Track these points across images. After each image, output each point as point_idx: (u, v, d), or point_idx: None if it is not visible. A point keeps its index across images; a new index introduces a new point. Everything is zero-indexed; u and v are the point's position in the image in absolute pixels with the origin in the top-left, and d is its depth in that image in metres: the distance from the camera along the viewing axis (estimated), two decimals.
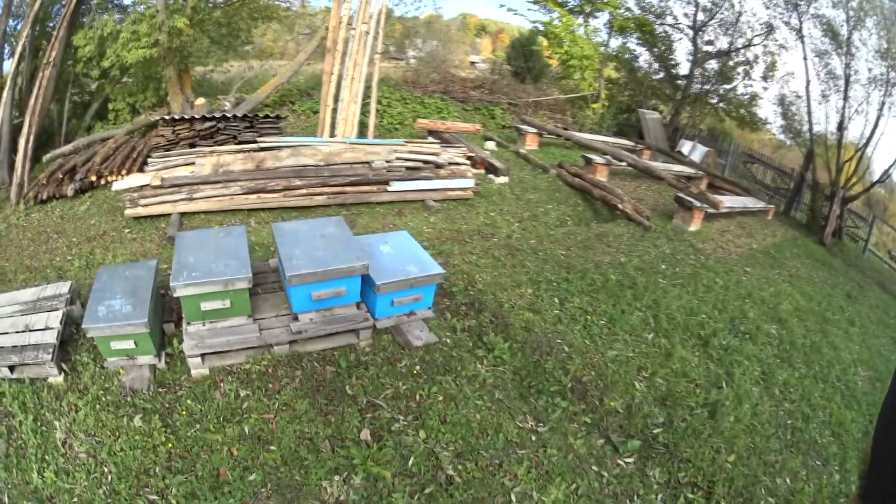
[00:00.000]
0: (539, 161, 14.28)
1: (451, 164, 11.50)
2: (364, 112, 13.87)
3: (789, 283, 10.14)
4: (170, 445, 5.20)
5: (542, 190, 12.34)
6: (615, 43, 23.54)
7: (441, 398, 5.55)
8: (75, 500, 4.88)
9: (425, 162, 11.29)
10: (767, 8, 19.75)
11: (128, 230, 9.78)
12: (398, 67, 24.55)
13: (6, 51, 16.17)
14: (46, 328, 6.32)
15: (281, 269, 6.32)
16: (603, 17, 22.67)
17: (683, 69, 22.75)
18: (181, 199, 9.98)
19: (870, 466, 1.71)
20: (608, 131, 20.70)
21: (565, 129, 18.26)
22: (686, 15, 21.73)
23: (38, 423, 5.64)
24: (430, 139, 13.84)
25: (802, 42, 17.87)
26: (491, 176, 12.63)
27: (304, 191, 10.23)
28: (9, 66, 15.28)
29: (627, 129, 21.70)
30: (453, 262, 8.34)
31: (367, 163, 10.80)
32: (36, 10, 13.94)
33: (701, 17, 21.35)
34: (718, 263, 9.86)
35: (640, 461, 5.24)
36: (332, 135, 13.20)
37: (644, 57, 23.95)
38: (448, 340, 6.43)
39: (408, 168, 11.07)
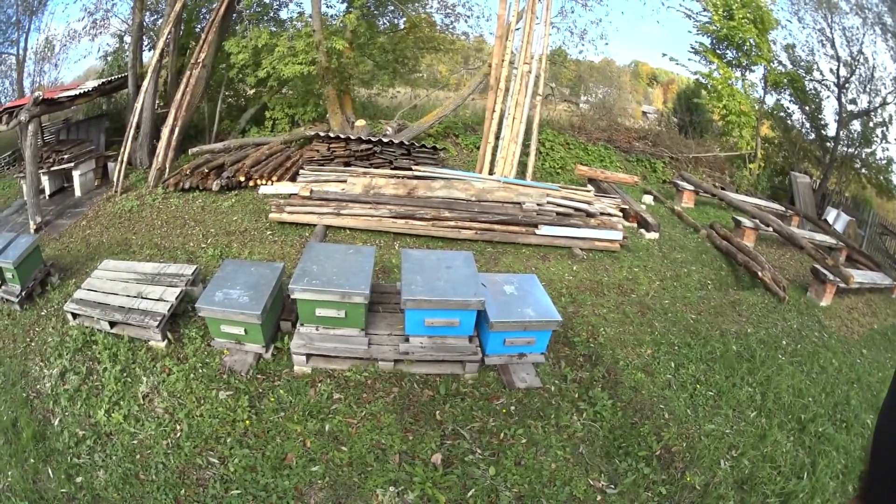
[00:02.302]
0: (691, 220, 13.79)
1: (602, 214, 11.28)
2: (525, 152, 13.77)
3: None
4: (248, 423, 5.53)
5: (689, 250, 11.90)
6: (770, 100, 22.59)
7: (524, 441, 5.52)
8: (135, 442, 5.35)
9: (577, 209, 11.10)
10: (895, 62, 18.65)
11: (270, 232, 10.27)
12: (570, 112, 24.18)
13: (145, 43, 17.28)
14: (160, 300, 6.96)
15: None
16: (759, 72, 21.73)
17: (832, 130, 21.52)
18: (328, 213, 10.35)
19: (869, 468, 1.69)
20: (763, 194, 19.72)
21: (722, 188, 17.63)
22: (831, 70, 20.63)
23: (124, 374, 6.23)
24: (589, 187, 13.64)
25: None
26: (642, 230, 12.24)
27: (452, 223, 10.32)
28: (148, 57, 16.28)
29: (780, 192, 20.56)
30: (583, 312, 8.23)
31: (519, 203, 10.78)
32: (178, 10, 14.71)
33: (843, 72, 20.18)
34: (839, 343, 9.24)
35: None
36: (491, 172, 13.19)
37: (796, 116, 22.81)
38: (552, 388, 6.37)
39: (558, 213, 10.91)
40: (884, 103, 19.72)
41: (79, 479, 5.06)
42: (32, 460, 5.31)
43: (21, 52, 20.73)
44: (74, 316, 7.19)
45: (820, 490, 5.70)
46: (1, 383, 6.54)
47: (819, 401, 7.20)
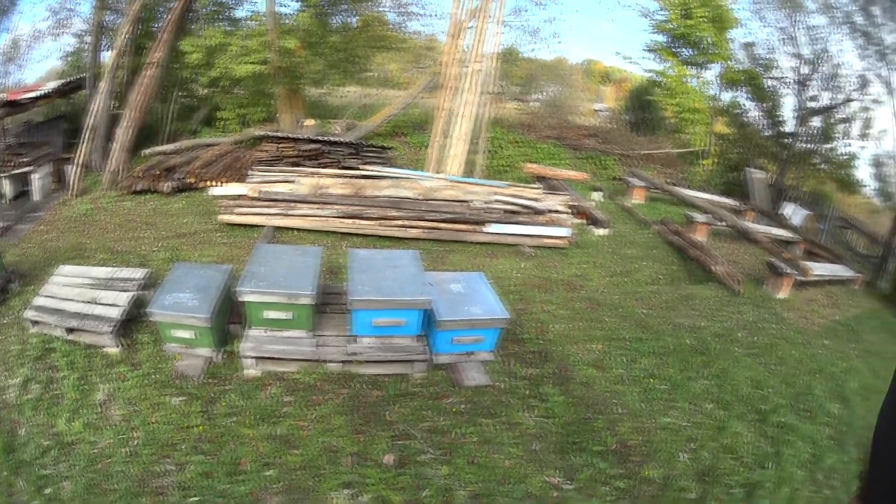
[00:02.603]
0: (642, 216, 14.00)
1: (550, 211, 11.39)
2: (474, 151, 13.84)
3: (862, 360, 9.51)
4: (201, 429, 5.50)
5: (640, 245, 12.09)
6: (726, 97, 22.89)
7: (476, 439, 5.55)
8: (95, 451, 5.29)
9: (525, 207, 11.21)
10: (861, 59, 18.84)
11: (219, 234, 10.26)
12: (520, 110, 24.39)
13: (104, 43, 17.02)
14: (113, 304, 6.90)
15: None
16: (715, 70, 22.15)
17: (790, 126, 21.64)
18: (276, 214, 10.37)
19: (869, 468, 1.70)
20: (716, 189, 19.90)
21: (673, 184, 17.75)
22: (792, 68, 20.86)
23: (82, 382, 6.15)
24: (538, 184, 13.73)
25: (892, 96, 17.20)
26: (591, 227, 12.39)
27: (399, 222, 10.37)
28: (106, 57, 16.16)
29: (735, 188, 20.67)
30: (532, 309, 8.31)
31: (466, 202, 10.89)
32: (136, 10, 14.74)
33: (805, 70, 20.41)
34: (798, 334, 9.35)
35: None
36: (440, 171, 13.25)
37: (752, 113, 22.92)
38: (502, 385, 6.40)
39: (506, 211, 11.01)
40: (848, 100, 19.94)
41: (47, 491, 5.03)
42: (5, 472, 5.24)
43: None
44: (34, 323, 7.09)
45: (787, 479, 5.77)
46: None
47: (780, 392, 7.28)
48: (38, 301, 7.22)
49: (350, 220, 10.28)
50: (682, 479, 5.43)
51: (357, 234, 10.30)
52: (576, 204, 12.63)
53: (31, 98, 13.15)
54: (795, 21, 20.30)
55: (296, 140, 13.45)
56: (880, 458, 1.65)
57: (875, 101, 19.27)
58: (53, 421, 5.72)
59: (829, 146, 21.06)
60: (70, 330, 6.81)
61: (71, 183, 12.81)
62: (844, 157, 20.89)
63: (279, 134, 13.81)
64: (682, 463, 5.66)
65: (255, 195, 10.62)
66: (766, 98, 21.79)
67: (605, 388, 6.63)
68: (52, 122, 16.18)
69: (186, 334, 6.24)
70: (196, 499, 4.83)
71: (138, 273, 7.68)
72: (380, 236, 10.30)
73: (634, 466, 5.50)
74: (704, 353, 7.75)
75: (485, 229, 10.52)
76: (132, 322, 7.07)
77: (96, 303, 7.00)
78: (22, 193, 13.43)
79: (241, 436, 5.44)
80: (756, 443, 6.17)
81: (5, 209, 12.32)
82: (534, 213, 11.13)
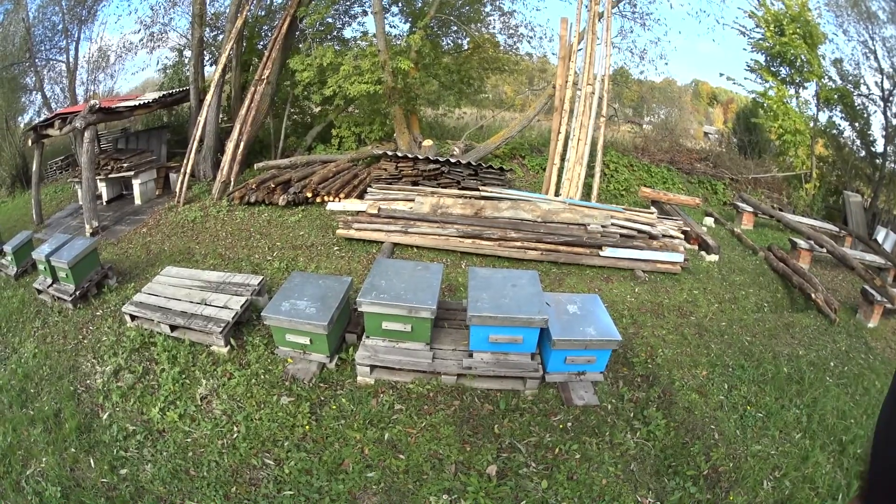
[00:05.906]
0: (750, 242, 13.66)
1: (664, 236, 11.24)
2: (590, 174, 13.79)
3: None
4: (307, 428, 5.75)
5: (748, 272, 11.78)
6: (823, 117, 21.99)
7: (578, 456, 5.63)
8: (189, 440, 5.61)
9: (640, 231, 11.09)
10: None
11: (337, 248, 10.56)
12: (633, 132, 24.22)
13: (206, 58, 17.77)
14: (225, 307, 7.26)
15: None
16: (811, 88, 21.33)
17: (881, 146, 20.79)
18: (396, 231, 10.60)
19: (869, 467, 1.71)
20: (818, 214, 19.28)
21: (780, 209, 17.33)
22: (876, 84, 20.29)
23: (183, 376, 6.52)
24: (652, 209, 13.50)
25: None
26: (703, 253, 12.17)
27: (518, 244, 10.43)
28: (209, 72, 16.93)
29: (835, 212, 20.02)
30: (643, 333, 8.32)
31: (584, 225, 10.82)
32: (239, 27, 15.14)
33: (887, 85, 19.88)
34: (883, 365, 9.04)
35: None
36: (557, 193, 13.20)
37: (847, 133, 22.08)
38: (609, 406, 6.46)
39: (622, 235, 10.91)
40: None
41: (123, 471, 5.34)
42: (73, 450, 5.62)
43: (72, 60, 21.36)
44: (133, 318, 7.57)
45: None
46: (47, 376, 6.92)
47: (860, 422, 7.15)
48: (140, 297, 7.73)
49: (469, 240, 10.43)
50: None
51: (476, 254, 10.45)
52: (688, 229, 12.52)
53: (127, 107, 13.60)
54: (873, 33, 19.78)
55: (415, 160, 13.64)
56: (880, 458, 1.66)
57: None
58: (145, 409, 6.10)
59: None
60: (173, 327, 7.21)
61: (177, 190, 13.40)
62: None
63: (398, 153, 14.01)
64: (764, 491, 5.65)
65: (375, 212, 10.87)
66: (858, 117, 21.09)
67: (706, 414, 6.63)
68: (154, 132, 16.86)
69: (302, 340, 6.50)
70: (291, 493, 5.06)
71: (252, 279, 8.05)
72: (499, 256, 10.41)
73: (722, 492, 5.52)
74: (799, 382, 7.67)
75: (601, 253, 10.50)
76: (243, 325, 7.44)
77: (206, 304, 7.40)
78: (120, 196, 14.24)
79: (347, 438, 5.66)
80: (833, 473, 6.09)
81: (102, 210, 13.04)
82: (649, 238, 11.05)
